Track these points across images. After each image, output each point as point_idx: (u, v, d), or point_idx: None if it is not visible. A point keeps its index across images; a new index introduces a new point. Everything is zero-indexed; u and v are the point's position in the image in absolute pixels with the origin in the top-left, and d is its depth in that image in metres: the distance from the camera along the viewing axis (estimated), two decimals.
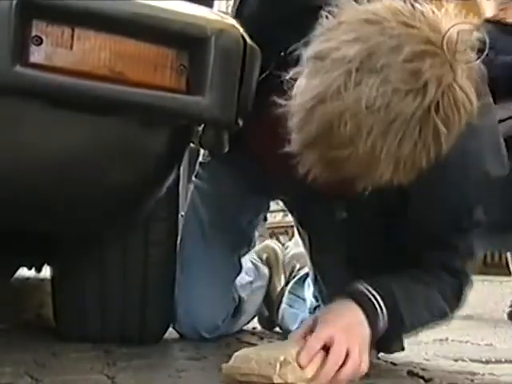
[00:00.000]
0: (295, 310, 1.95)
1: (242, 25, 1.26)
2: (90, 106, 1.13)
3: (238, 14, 1.48)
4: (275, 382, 1.17)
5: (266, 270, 2.06)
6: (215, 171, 1.77)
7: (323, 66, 1.08)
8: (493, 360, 1.67)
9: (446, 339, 2.04)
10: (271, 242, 2.20)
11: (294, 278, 2.05)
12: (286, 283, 2.06)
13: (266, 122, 1.29)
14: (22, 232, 1.61)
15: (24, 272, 2.54)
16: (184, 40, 1.17)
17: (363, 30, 1.07)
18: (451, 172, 1.25)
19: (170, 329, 1.73)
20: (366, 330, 1.24)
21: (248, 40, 1.23)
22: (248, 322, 2.01)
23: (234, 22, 1.24)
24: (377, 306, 1.27)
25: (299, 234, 1.83)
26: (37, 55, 1.08)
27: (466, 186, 1.31)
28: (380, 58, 1.04)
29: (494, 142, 1.36)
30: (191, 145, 1.55)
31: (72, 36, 1.09)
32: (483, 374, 1.45)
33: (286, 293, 2.01)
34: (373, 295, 1.27)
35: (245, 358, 1.22)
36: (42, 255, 1.95)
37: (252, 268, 2.01)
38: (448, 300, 1.39)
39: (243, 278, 1.91)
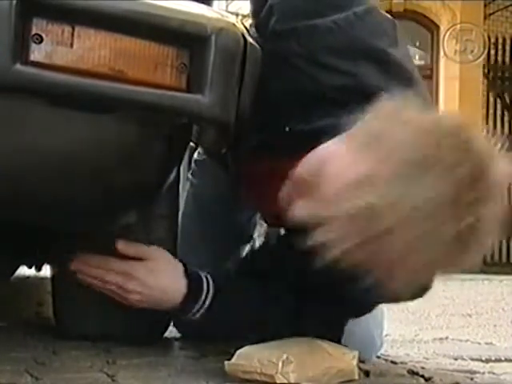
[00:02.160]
0: None
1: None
2: (91, 105, 1.13)
3: None
4: (277, 381, 1.17)
5: None
6: (211, 169, 1.77)
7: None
8: (493, 359, 1.67)
9: (446, 338, 2.04)
10: None
11: None
12: None
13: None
14: (23, 230, 1.61)
15: (24, 271, 2.54)
16: (184, 38, 1.16)
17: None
18: None
19: (170, 327, 1.73)
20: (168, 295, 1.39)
21: (249, 38, 1.23)
22: None
23: (234, 20, 1.24)
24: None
25: None
26: (37, 53, 1.08)
27: None
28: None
29: None
30: (191, 143, 1.55)
31: (72, 34, 1.09)
32: (483, 373, 1.45)
33: None
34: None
35: (247, 356, 1.22)
36: (42, 254, 1.95)
37: None
38: None
39: None
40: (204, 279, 1.42)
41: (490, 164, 1.05)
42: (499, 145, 1.08)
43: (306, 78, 1.35)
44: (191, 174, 1.85)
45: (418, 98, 1.19)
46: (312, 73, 1.34)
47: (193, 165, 1.86)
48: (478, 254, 1.09)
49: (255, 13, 1.44)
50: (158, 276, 1.40)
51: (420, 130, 1.06)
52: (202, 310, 1.41)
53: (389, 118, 1.09)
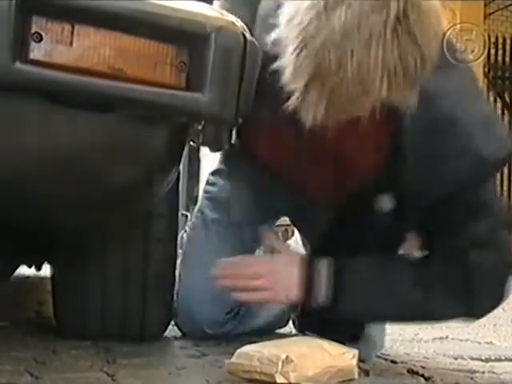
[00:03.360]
0: None
1: None
2: (90, 103, 1.13)
3: None
4: (277, 381, 1.17)
5: None
6: (226, 177, 1.78)
7: (298, 5, 1.16)
8: (493, 358, 1.67)
9: (446, 337, 2.04)
10: None
11: None
12: None
13: (265, 124, 1.40)
14: (22, 230, 1.61)
15: (24, 270, 2.54)
16: (184, 37, 1.16)
17: None
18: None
19: (170, 326, 1.73)
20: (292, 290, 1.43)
21: (248, 37, 1.22)
22: (265, 327, 1.88)
23: (234, 19, 1.24)
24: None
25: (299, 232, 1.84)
26: (36, 52, 1.08)
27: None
28: None
29: None
30: (191, 142, 1.55)
31: (72, 33, 1.09)
32: (483, 372, 1.45)
33: None
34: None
35: (247, 356, 1.22)
36: (42, 254, 1.95)
37: None
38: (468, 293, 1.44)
39: None
40: (318, 264, 1.44)
41: None
42: None
43: None
44: (207, 183, 1.85)
45: None
46: None
47: (208, 176, 1.86)
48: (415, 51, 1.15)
49: None
50: (280, 271, 1.46)
51: None
52: (328, 292, 1.42)
53: None
